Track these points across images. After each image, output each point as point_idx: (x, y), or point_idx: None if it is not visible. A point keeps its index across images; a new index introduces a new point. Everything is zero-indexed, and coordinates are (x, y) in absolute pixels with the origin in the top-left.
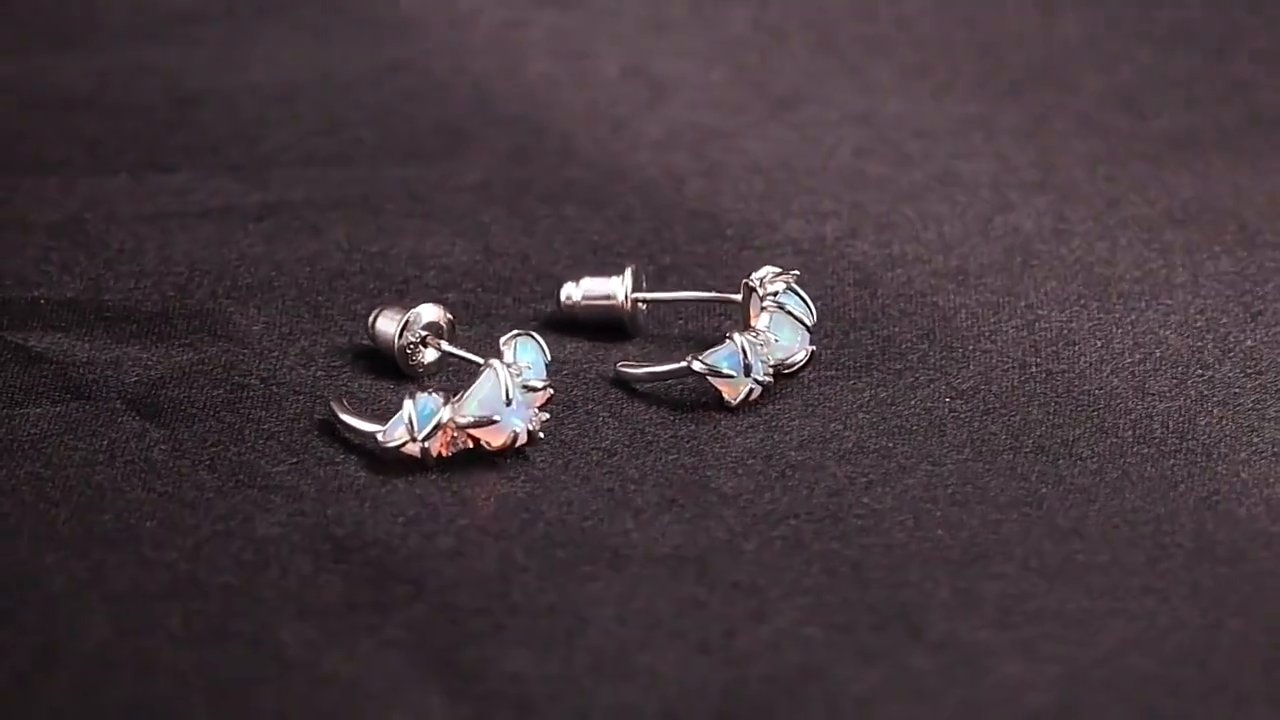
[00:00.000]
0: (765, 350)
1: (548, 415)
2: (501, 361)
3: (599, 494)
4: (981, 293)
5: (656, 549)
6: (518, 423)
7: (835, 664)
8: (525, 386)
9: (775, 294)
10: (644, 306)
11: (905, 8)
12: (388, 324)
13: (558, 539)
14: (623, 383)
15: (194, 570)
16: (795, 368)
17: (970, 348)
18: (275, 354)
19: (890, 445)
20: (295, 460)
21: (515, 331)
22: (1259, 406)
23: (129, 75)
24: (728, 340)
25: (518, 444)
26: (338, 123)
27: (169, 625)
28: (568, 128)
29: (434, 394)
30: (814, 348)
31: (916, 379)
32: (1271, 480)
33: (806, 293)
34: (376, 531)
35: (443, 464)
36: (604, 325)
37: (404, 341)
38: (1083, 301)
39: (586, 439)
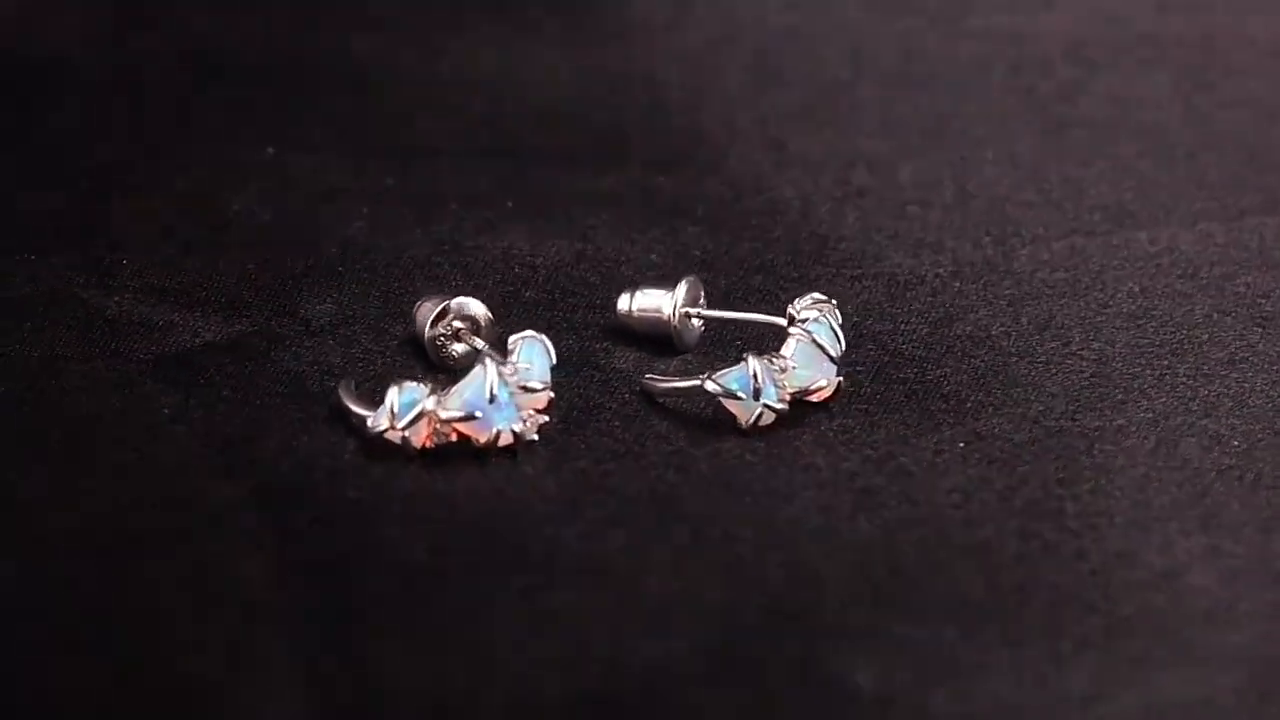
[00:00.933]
0: (782, 376)
1: (546, 418)
2: (495, 359)
3: (557, 501)
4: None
5: (578, 561)
6: (501, 421)
7: (714, 683)
8: (524, 387)
9: (805, 321)
10: (696, 322)
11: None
12: (424, 314)
13: (472, 540)
14: (648, 395)
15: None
16: (818, 397)
17: (1017, 398)
18: (323, 336)
19: (879, 484)
20: (289, 436)
21: (526, 332)
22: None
23: (317, 52)
24: (742, 361)
25: (501, 443)
26: (504, 118)
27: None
28: (725, 144)
29: (421, 385)
30: (841, 379)
31: (943, 421)
32: None
33: (847, 324)
34: (317, 507)
35: (426, 455)
36: (656, 337)
37: (435, 333)
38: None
39: (582, 446)
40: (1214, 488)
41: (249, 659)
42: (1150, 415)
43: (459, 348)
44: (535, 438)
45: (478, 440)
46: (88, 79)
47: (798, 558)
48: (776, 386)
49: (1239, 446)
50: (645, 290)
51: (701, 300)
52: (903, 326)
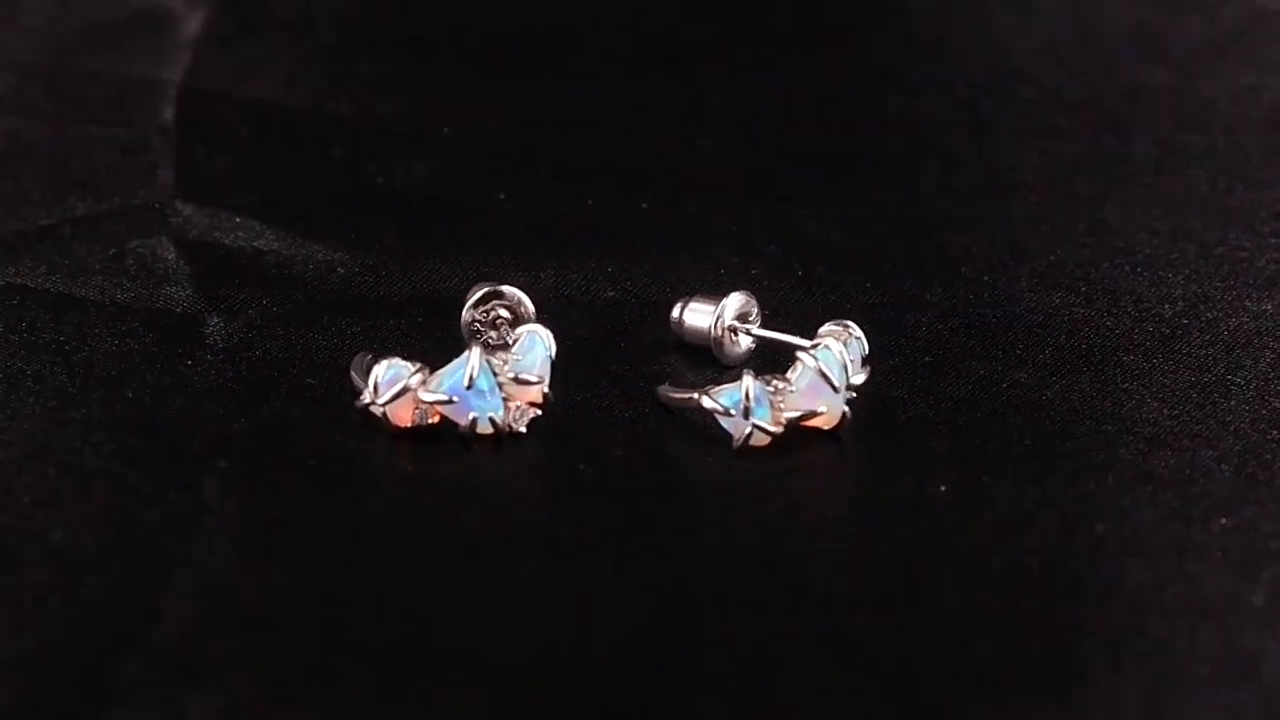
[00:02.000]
0: (780, 398)
1: (539, 412)
2: (483, 348)
3: (508, 489)
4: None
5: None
6: (480, 409)
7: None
8: (517, 379)
9: (815, 347)
10: (744, 339)
11: None
12: (469, 296)
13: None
14: (664, 406)
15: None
16: (821, 425)
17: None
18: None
19: (831, 520)
20: (307, 394)
21: (531, 325)
22: None
23: None
24: (739, 379)
25: (479, 430)
26: None
27: None
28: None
29: (409, 363)
30: (847, 409)
31: (941, 465)
32: None
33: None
34: (286, 469)
35: (410, 435)
36: (704, 350)
37: (472, 316)
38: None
39: (566, 448)
40: None
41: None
42: None
43: (494, 335)
44: (523, 430)
45: (456, 425)
46: None
47: (697, 588)
48: (772, 408)
49: None
50: (697, 302)
51: (754, 317)
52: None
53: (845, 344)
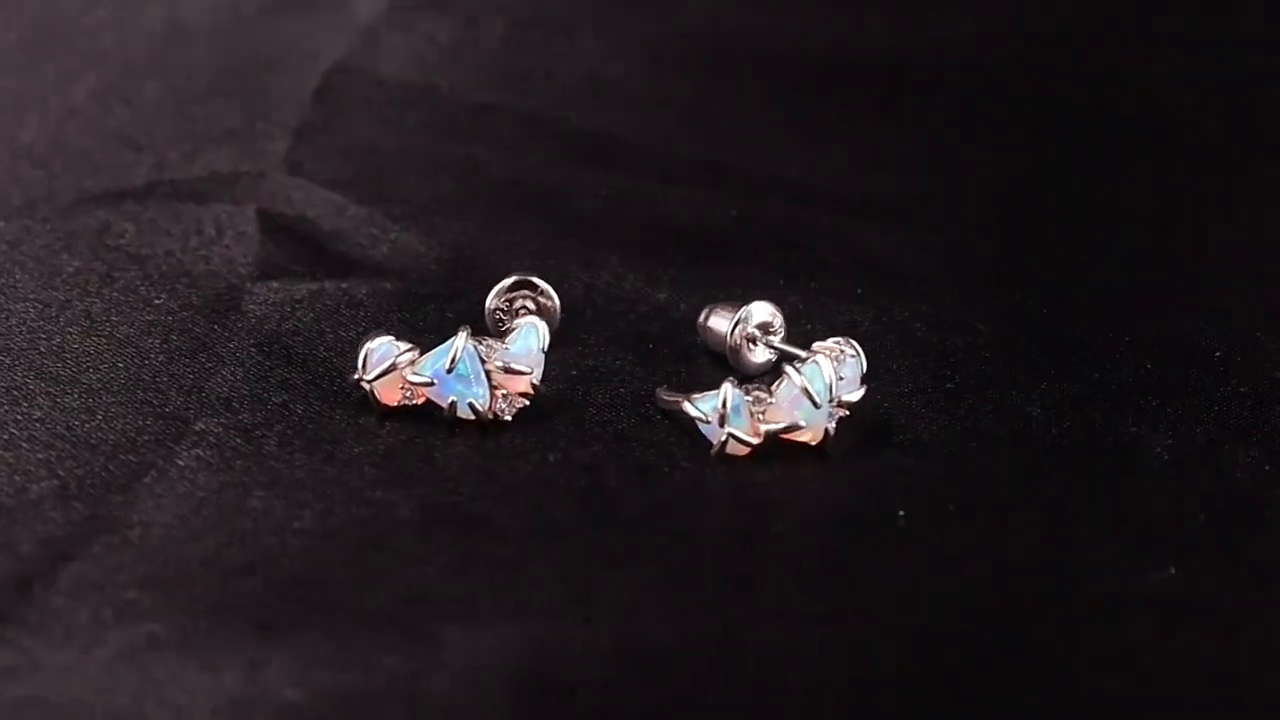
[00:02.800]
0: (759, 409)
1: (527, 402)
2: (469, 334)
3: (451, 483)
4: None
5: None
6: (460, 394)
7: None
8: (505, 368)
9: (803, 360)
10: (761, 349)
11: None
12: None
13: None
14: (663, 410)
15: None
16: (803, 439)
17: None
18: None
19: (771, 534)
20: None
21: (528, 317)
22: None
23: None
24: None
25: (459, 414)
26: None
27: None
28: None
29: (401, 343)
30: (831, 426)
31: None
32: None
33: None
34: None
35: (398, 413)
36: (724, 357)
37: (496, 304)
38: None
39: (542, 441)
40: None
41: None
42: None
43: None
44: (508, 418)
45: (438, 408)
46: None
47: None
48: (751, 419)
49: None
50: (722, 308)
51: (778, 328)
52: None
53: (839, 361)
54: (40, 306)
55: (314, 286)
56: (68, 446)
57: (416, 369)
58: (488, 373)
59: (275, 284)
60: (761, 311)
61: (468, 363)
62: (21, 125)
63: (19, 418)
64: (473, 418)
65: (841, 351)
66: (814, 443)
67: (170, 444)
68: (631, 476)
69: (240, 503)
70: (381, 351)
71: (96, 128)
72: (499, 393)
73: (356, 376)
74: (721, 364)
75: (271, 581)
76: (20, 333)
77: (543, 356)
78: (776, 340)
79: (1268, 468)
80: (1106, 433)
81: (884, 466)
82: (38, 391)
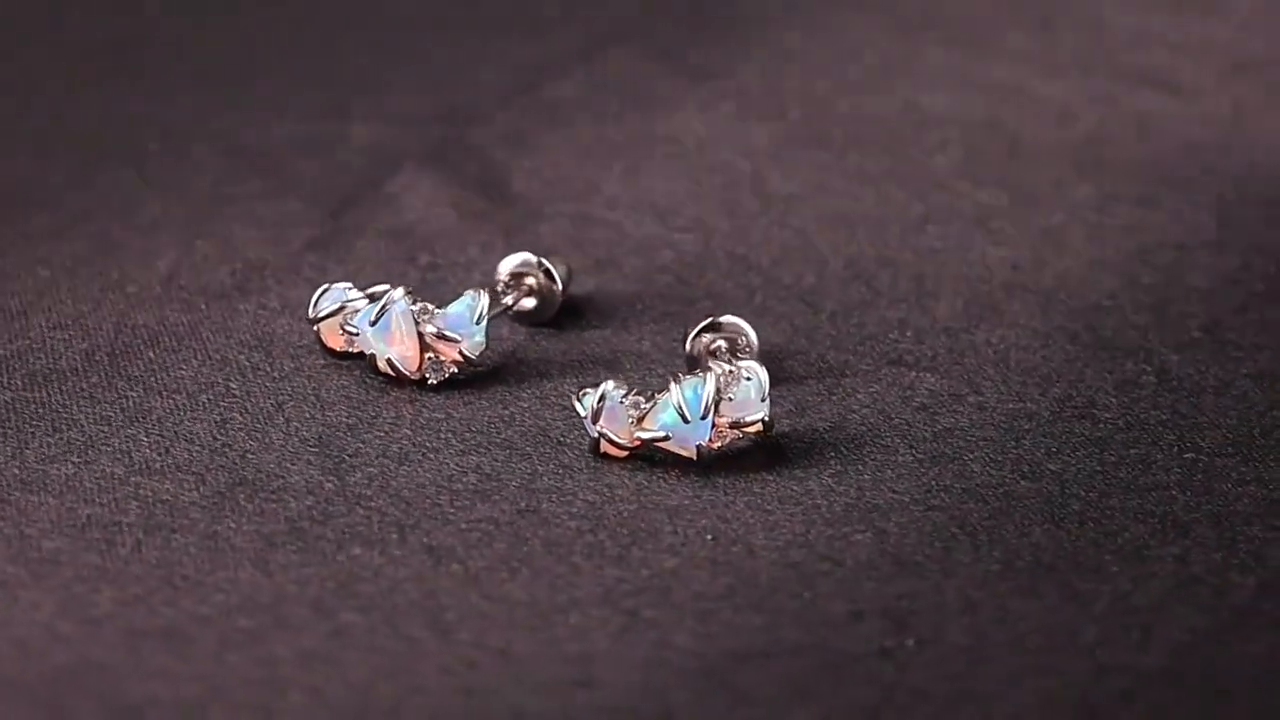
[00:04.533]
0: (637, 414)
1: (456, 370)
2: (405, 293)
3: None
4: None
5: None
6: (380, 349)
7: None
8: (440, 334)
9: (683, 377)
10: (715, 362)
11: None
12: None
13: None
14: None
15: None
16: (674, 452)
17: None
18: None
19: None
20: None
21: (473, 289)
22: None
23: None
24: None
25: (379, 367)
26: None
27: None
28: None
29: (354, 291)
30: (702, 443)
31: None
32: None
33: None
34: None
35: (339, 358)
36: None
37: (498, 278)
38: None
39: (475, 411)
40: None
41: None
42: None
43: (528, 302)
44: (433, 381)
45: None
46: None
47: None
48: (624, 423)
49: None
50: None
51: (743, 346)
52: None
53: (728, 382)
54: None
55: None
56: None
57: (352, 317)
58: (421, 335)
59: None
60: (729, 328)
61: (397, 320)
62: None
63: None
64: (391, 374)
65: (739, 372)
66: (689, 457)
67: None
68: (513, 458)
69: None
70: (332, 295)
71: None
72: (427, 356)
73: (309, 315)
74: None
75: None
76: None
77: (478, 328)
78: (739, 358)
79: None
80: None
81: (770, 486)
82: None
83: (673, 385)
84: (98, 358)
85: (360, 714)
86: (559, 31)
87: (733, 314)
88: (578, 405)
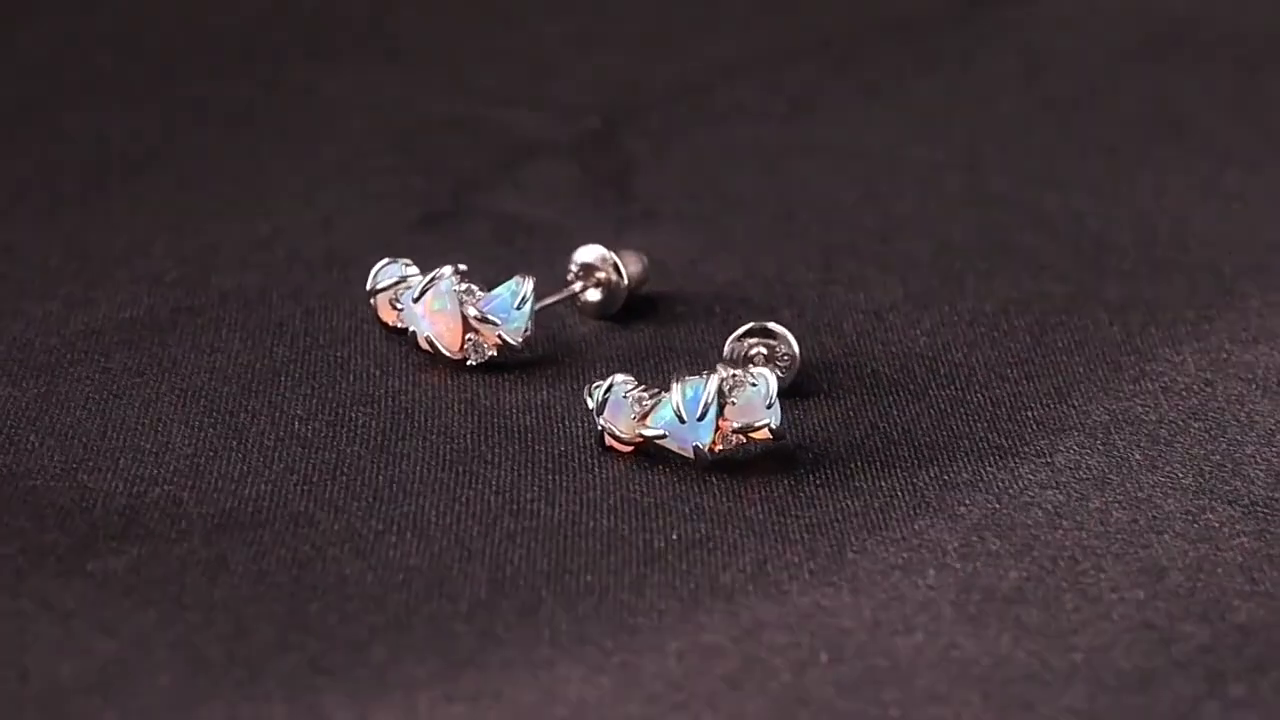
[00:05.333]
0: (640, 410)
1: (494, 353)
2: (454, 272)
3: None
4: None
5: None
6: (420, 326)
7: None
8: (483, 317)
9: (685, 378)
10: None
11: None
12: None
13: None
14: None
15: None
16: (673, 450)
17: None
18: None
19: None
20: None
21: (519, 277)
22: None
23: None
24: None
25: (420, 344)
26: None
27: None
28: None
29: (412, 268)
30: (699, 444)
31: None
32: None
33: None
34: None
35: (392, 334)
36: None
37: (574, 265)
38: None
39: (501, 394)
40: None
41: None
42: None
43: (592, 294)
44: (472, 361)
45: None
46: None
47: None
48: (628, 418)
49: None
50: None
51: (779, 355)
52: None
53: (731, 386)
54: None
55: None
56: None
57: (404, 293)
58: (464, 316)
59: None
60: (767, 333)
61: (441, 299)
62: None
63: None
64: (429, 350)
65: (737, 376)
66: (688, 457)
67: None
68: (512, 444)
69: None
70: (390, 270)
71: None
72: (468, 337)
73: (368, 287)
74: None
75: None
76: None
77: (518, 313)
78: (771, 366)
79: None
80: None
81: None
82: None
83: (674, 385)
84: (178, 314)
85: None
86: (747, 36)
87: (782, 324)
88: (588, 398)
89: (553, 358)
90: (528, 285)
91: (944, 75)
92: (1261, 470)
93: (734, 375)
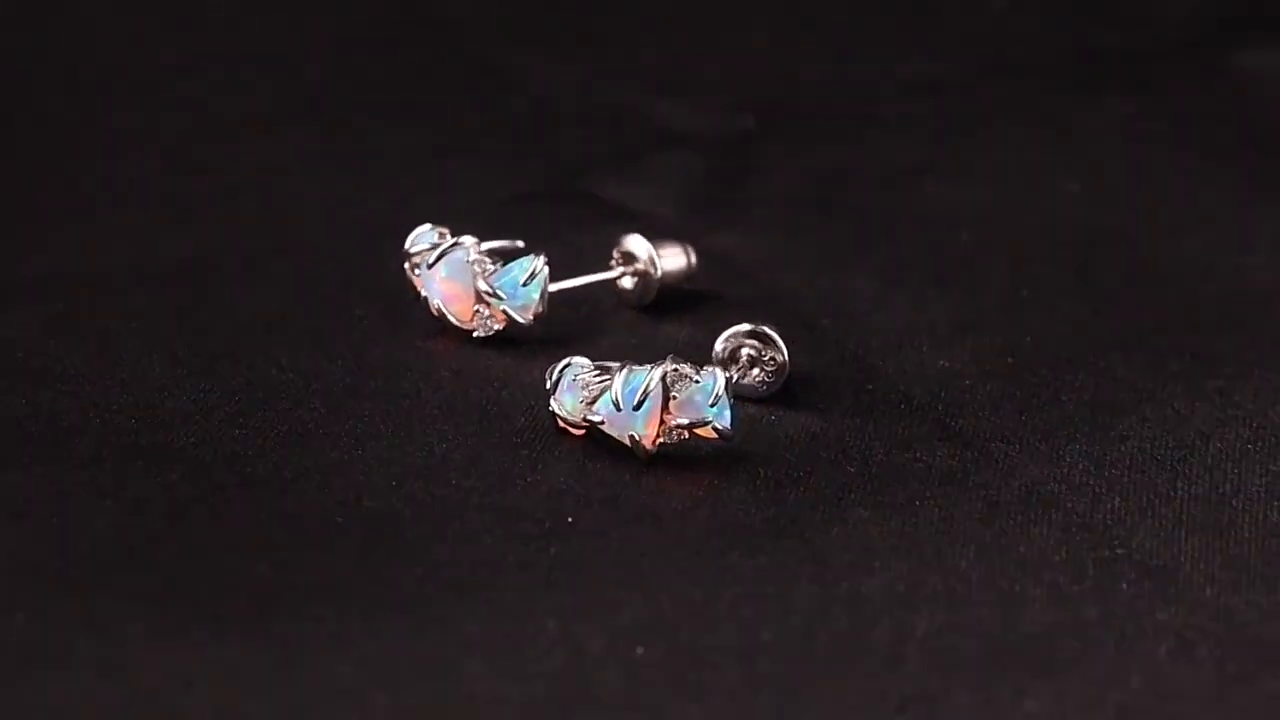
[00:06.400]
0: (588, 395)
1: (500, 327)
2: (475, 244)
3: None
4: None
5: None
6: (432, 290)
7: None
8: (492, 292)
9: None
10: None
11: None
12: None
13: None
14: None
15: None
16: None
17: None
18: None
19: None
20: None
21: (534, 256)
22: None
23: None
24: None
25: (432, 310)
26: None
27: None
28: None
29: (447, 237)
30: (634, 433)
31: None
32: None
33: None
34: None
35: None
36: None
37: (618, 249)
38: None
39: (498, 366)
40: None
41: None
42: None
43: (627, 281)
44: (478, 334)
45: None
46: None
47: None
48: (580, 402)
49: None
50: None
51: (763, 359)
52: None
53: (675, 379)
54: None
55: None
56: None
57: (425, 259)
58: (478, 290)
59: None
60: (758, 336)
61: (454, 269)
62: None
63: None
64: (439, 318)
65: (680, 370)
66: (628, 446)
67: None
68: (469, 422)
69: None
70: (424, 236)
71: None
72: (478, 309)
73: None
74: None
75: None
76: None
77: (524, 291)
78: (749, 370)
79: None
80: None
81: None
82: None
83: (617, 373)
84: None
85: None
86: (934, 53)
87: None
88: (548, 377)
89: (566, 340)
90: (538, 263)
91: (1118, 116)
92: None
93: (678, 369)
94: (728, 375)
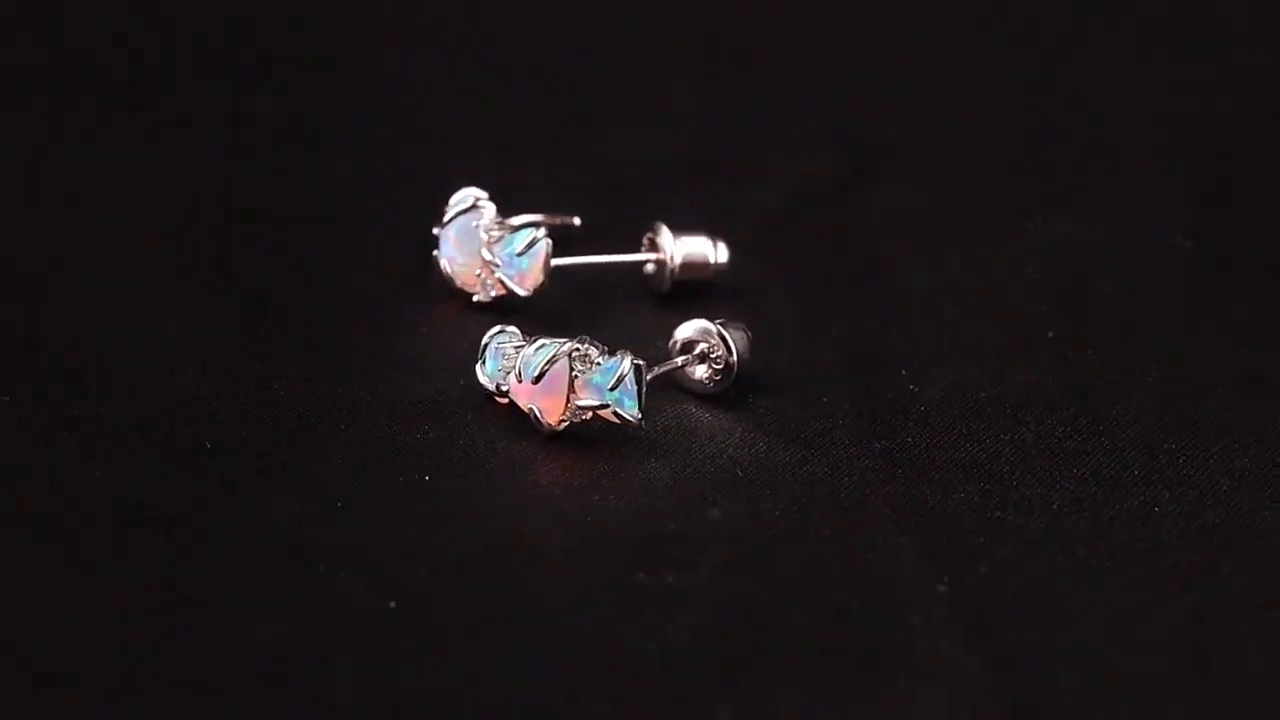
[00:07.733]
0: (509, 365)
1: (496, 295)
2: (492, 213)
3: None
4: None
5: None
6: (448, 255)
7: None
8: (489, 261)
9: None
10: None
11: None
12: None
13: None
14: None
15: None
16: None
17: None
18: None
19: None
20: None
21: (537, 231)
22: None
23: None
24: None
25: (440, 269)
26: None
27: None
28: None
29: (482, 201)
30: (534, 408)
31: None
32: None
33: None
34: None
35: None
36: None
37: (648, 234)
38: None
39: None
40: None
41: None
42: None
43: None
44: (477, 298)
45: None
46: None
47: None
48: (502, 372)
49: None
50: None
51: (708, 352)
52: None
53: (577, 359)
54: None
55: None
56: None
57: (445, 220)
58: (484, 261)
59: None
60: (691, 329)
61: (462, 232)
62: None
63: None
64: (440, 276)
65: (587, 351)
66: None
67: None
68: (425, 388)
69: None
70: (462, 195)
71: None
72: (481, 276)
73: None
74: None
75: None
76: None
77: (520, 260)
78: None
79: None
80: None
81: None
82: None
83: (529, 345)
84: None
85: None
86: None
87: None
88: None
89: (565, 319)
90: (537, 235)
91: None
92: None
93: (584, 350)
94: (638, 363)
